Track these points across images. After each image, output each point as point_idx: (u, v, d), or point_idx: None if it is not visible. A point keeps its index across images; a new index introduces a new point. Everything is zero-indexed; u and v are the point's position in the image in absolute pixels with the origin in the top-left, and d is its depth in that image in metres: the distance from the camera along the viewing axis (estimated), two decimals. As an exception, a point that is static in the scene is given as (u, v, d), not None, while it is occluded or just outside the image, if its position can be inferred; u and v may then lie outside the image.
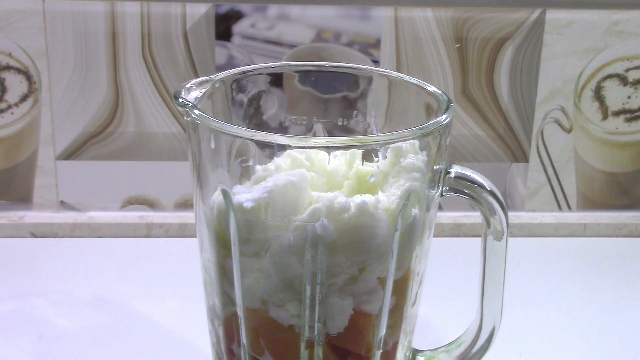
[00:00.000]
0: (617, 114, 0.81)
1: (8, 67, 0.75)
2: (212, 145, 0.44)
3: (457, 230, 0.81)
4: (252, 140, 0.43)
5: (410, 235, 0.45)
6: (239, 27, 0.76)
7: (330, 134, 0.53)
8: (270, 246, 0.43)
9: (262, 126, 0.53)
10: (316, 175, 0.47)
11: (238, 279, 0.45)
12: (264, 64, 0.53)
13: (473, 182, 0.47)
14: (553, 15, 0.77)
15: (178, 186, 0.80)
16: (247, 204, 0.43)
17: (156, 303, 0.66)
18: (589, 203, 0.84)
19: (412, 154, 0.45)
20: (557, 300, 0.69)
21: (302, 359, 0.45)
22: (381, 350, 0.47)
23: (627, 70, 0.79)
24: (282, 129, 0.53)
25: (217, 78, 0.50)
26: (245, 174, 0.47)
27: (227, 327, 0.47)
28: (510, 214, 0.48)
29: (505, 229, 0.47)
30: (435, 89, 0.50)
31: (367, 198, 0.44)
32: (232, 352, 0.48)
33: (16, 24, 0.74)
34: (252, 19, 0.76)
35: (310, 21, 0.76)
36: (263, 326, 0.45)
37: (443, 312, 0.64)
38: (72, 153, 0.78)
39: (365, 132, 0.53)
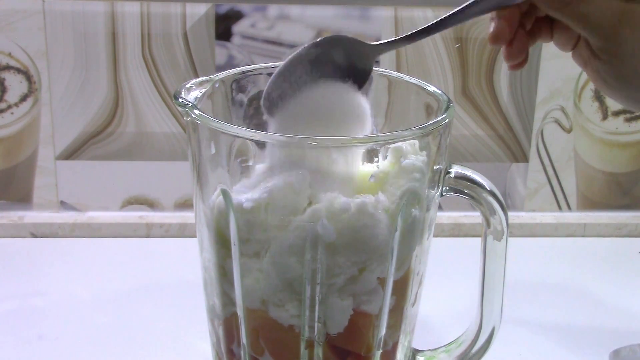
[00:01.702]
0: (617, 114, 0.81)
1: (8, 67, 0.75)
2: (212, 146, 0.44)
3: (457, 230, 0.81)
4: (252, 140, 0.43)
5: (410, 236, 0.45)
6: (239, 27, 0.76)
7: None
8: (270, 246, 0.43)
9: (262, 126, 0.53)
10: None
11: (238, 279, 0.45)
12: (264, 64, 0.53)
13: (473, 182, 0.47)
14: (553, 15, 0.77)
15: (178, 186, 0.80)
16: (247, 204, 0.43)
17: (156, 303, 0.66)
18: (589, 203, 0.84)
19: (412, 154, 0.45)
20: (557, 300, 0.69)
21: (302, 359, 0.45)
22: (381, 350, 0.47)
23: (627, 70, 0.79)
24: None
25: (217, 78, 0.50)
26: (245, 174, 0.47)
27: (227, 327, 0.47)
28: (510, 214, 0.48)
29: (505, 229, 0.47)
30: (435, 89, 0.50)
31: (367, 198, 0.44)
32: (232, 352, 0.48)
33: (16, 24, 0.74)
34: (252, 19, 0.76)
35: (310, 21, 0.76)
36: (263, 326, 0.45)
37: (443, 312, 0.64)
38: (72, 153, 0.78)
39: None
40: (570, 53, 0.52)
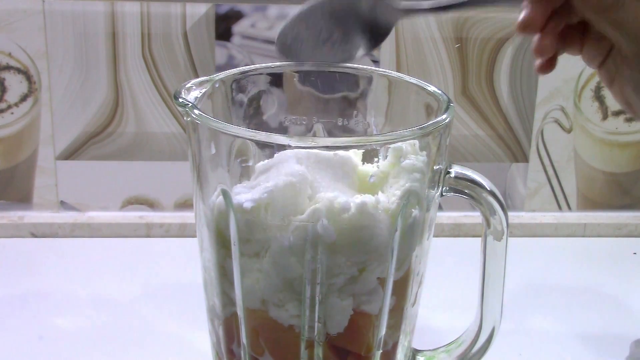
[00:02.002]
0: (617, 114, 0.81)
1: (8, 67, 0.75)
2: (212, 146, 0.44)
3: (457, 230, 0.81)
4: (252, 140, 0.43)
5: (410, 236, 0.45)
6: (239, 27, 0.76)
7: (330, 134, 0.53)
8: (270, 246, 0.43)
9: (262, 126, 0.53)
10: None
11: (238, 279, 0.45)
12: (264, 64, 0.53)
13: (473, 182, 0.47)
14: (553, 15, 0.77)
15: (178, 186, 0.80)
16: (247, 204, 0.43)
17: (156, 303, 0.66)
18: (589, 203, 0.84)
19: (412, 154, 0.45)
20: (556, 300, 0.69)
21: (302, 359, 0.45)
22: (381, 351, 0.47)
23: (627, 70, 0.79)
24: (282, 129, 0.53)
25: (217, 78, 0.50)
26: (245, 174, 0.47)
27: (227, 327, 0.47)
28: (510, 214, 0.48)
29: (505, 229, 0.47)
30: (435, 89, 0.50)
31: (367, 198, 0.44)
32: (232, 352, 0.48)
33: (16, 24, 0.74)
34: (252, 19, 0.76)
35: (310, 21, 0.76)
36: (263, 326, 0.45)
37: (443, 312, 0.64)
38: (72, 153, 0.78)
39: (365, 132, 0.53)
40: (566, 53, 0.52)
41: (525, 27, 0.49)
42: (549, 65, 0.51)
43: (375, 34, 0.49)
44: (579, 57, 0.52)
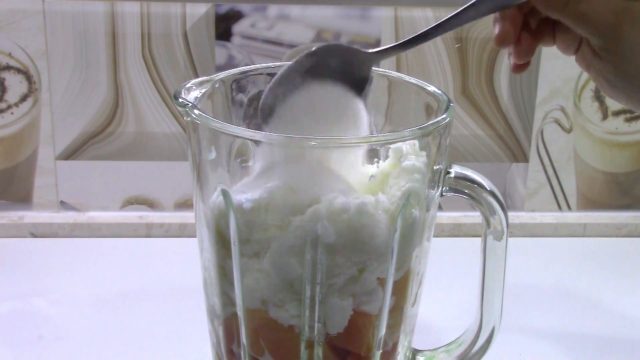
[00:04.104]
0: (617, 114, 0.81)
1: (8, 67, 0.75)
2: (212, 146, 0.44)
3: (457, 230, 0.81)
4: (252, 140, 0.43)
5: (410, 236, 0.45)
6: (239, 27, 0.76)
7: (330, 133, 0.53)
8: (270, 246, 0.43)
9: (262, 126, 0.53)
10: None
11: (238, 279, 0.45)
12: (264, 64, 0.53)
13: (473, 182, 0.47)
14: (553, 15, 0.77)
15: (178, 186, 0.80)
16: (247, 205, 0.43)
17: (156, 303, 0.66)
18: (589, 203, 0.84)
19: (413, 155, 0.45)
20: (556, 300, 0.69)
21: (302, 359, 0.45)
22: (381, 351, 0.47)
23: (627, 70, 0.79)
24: (282, 129, 0.53)
25: (217, 78, 0.50)
26: (245, 174, 0.47)
27: (227, 327, 0.47)
28: (510, 214, 0.48)
29: (505, 229, 0.47)
30: (435, 89, 0.50)
31: (367, 199, 0.44)
32: (232, 352, 0.48)
33: (16, 24, 0.74)
34: (252, 19, 0.76)
35: (310, 21, 0.76)
36: (263, 326, 0.45)
37: (443, 312, 0.64)
38: (72, 153, 0.78)
39: (365, 132, 0.53)
40: (541, 45, 0.53)
41: (501, 41, 0.51)
42: (528, 64, 0.52)
43: (354, 82, 0.49)
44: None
